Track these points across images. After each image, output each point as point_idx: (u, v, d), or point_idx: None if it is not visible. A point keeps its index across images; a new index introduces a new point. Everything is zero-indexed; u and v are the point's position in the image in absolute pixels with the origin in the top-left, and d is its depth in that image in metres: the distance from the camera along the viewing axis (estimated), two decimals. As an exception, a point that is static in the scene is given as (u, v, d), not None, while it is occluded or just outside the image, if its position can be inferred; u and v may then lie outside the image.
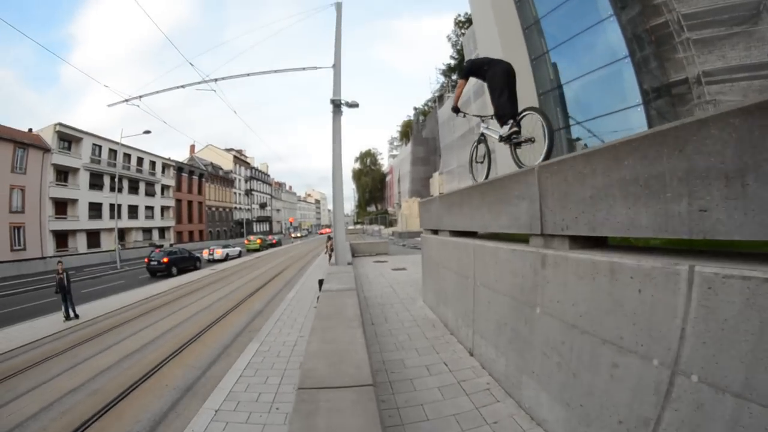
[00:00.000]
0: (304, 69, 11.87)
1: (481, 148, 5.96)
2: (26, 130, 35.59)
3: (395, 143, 72.42)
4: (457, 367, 4.86)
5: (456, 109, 5.80)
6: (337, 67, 11.72)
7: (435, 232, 7.25)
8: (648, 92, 11.86)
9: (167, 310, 12.56)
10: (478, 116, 5.90)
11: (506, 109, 4.67)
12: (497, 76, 4.81)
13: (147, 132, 29.50)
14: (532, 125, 4.46)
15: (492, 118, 5.14)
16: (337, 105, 11.68)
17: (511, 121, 4.61)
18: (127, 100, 14.01)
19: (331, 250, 19.99)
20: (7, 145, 31.44)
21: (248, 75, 11.98)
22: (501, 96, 4.70)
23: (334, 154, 11.81)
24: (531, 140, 4.46)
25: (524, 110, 4.59)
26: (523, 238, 3.92)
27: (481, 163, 5.97)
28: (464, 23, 41.38)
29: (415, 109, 57.36)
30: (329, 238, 21.29)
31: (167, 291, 16.71)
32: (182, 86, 13.03)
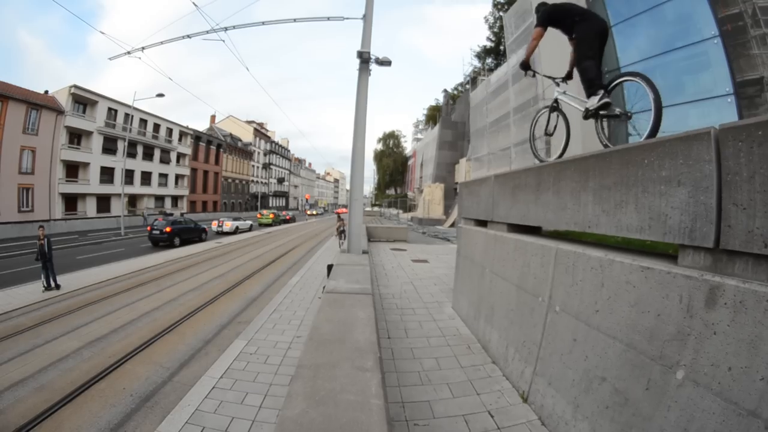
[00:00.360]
0: (329, 19, 10.09)
1: (554, 117, 4.59)
2: (42, 92, 34.71)
3: (420, 126, 70.18)
4: (508, 421, 3.38)
5: (525, 66, 4.56)
6: (368, 17, 9.98)
7: (482, 223, 5.58)
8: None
9: (154, 286, 11.19)
10: (550, 78, 4.64)
11: (598, 75, 3.80)
12: (592, 34, 3.91)
13: (160, 95, 28.42)
14: (631, 96, 3.57)
15: (565, 81, 4.40)
16: (365, 60, 9.86)
17: (601, 91, 3.70)
18: (129, 52, 12.67)
19: (342, 232, 18.29)
20: (20, 105, 30.58)
21: (263, 24, 10.29)
22: (593, 59, 3.84)
23: (357, 117, 10.00)
24: (627, 115, 3.62)
25: (621, 76, 3.68)
26: (662, 250, 2.74)
27: (551, 135, 4.64)
28: (503, 5, 39.15)
29: (445, 91, 54.71)
30: (340, 218, 19.61)
31: (162, 264, 15.42)
32: (188, 36, 11.55)
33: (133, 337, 7.19)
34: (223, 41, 11.52)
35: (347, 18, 10.18)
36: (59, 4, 10.22)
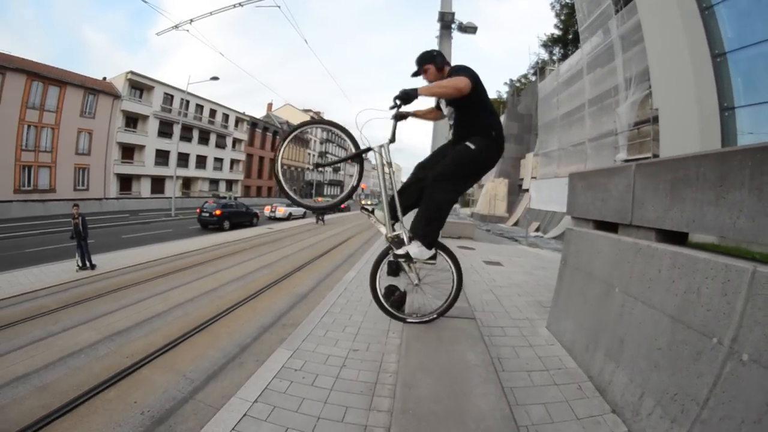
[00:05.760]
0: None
1: None
2: (100, 78, 36.11)
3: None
4: None
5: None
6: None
7: (608, 226, 3.88)
8: None
9: (195, 273, 10.17)
10: None
11: None
12: None
13: (215, 78, 28.18)
14: None
15: None
16: (447, 24, 8.16)
17: None
18: (176, 26, 12.21)
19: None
20: (77, 90, 31.98)
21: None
22: None
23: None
24: None
25: None
26: None
27: None
28: (571, -8, 36.47)
29: (510, 81, 51.98)
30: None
31: (208, 248, 14.58)
32: (240, 4, 10.68)
33: (158, 334, 6.03)
34: (278, 7, 10.41)
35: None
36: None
